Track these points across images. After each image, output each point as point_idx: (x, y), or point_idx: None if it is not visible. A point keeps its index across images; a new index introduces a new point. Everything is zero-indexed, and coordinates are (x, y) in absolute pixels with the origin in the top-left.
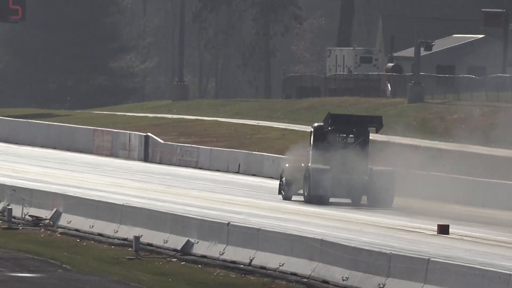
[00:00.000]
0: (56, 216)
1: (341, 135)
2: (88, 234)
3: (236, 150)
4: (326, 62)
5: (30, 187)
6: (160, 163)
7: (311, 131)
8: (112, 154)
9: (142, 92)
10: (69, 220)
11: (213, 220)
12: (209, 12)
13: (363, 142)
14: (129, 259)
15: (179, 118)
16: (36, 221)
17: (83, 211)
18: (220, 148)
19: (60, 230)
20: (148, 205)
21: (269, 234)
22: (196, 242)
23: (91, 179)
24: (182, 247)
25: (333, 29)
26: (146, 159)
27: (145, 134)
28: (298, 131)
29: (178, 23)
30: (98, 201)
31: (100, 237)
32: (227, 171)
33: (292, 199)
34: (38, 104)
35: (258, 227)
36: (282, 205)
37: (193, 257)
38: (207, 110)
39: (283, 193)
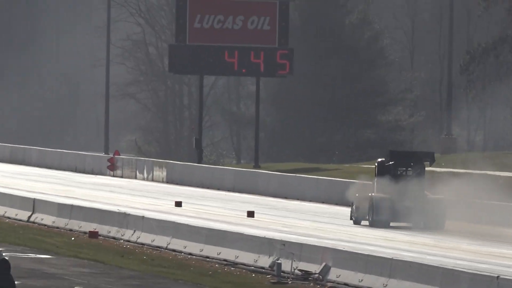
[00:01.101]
0: (326, 270)
1: (400, 168)
2: None
3: (505, 203)
4: None
5: (300, 241)
6: None
7: (375, 165)
8: None
9: (410, 145)
10: (338, 274)
11: (483, 273)
12: (476, 65)
13: (419, 174)
14: None
15: (447, 171)
16: (305, 275)
17: (353, 265)
18: (489, 202)
19: (329, 284)
20: (418, 258)
21: None
22: None
23: (360, 233)
24: None
25: None
26: None
27: None
28: None
29: (446, 76)
30: (368, 255)
31: None
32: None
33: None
34: (306, 158)
35: None
36: None
37: None
38: (475, 163)
39: (353, 219)
